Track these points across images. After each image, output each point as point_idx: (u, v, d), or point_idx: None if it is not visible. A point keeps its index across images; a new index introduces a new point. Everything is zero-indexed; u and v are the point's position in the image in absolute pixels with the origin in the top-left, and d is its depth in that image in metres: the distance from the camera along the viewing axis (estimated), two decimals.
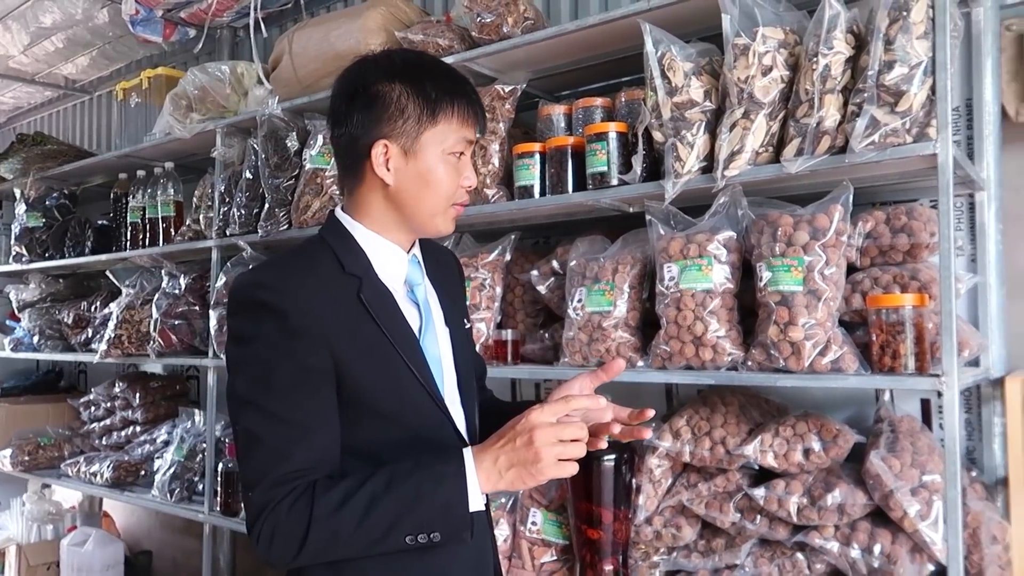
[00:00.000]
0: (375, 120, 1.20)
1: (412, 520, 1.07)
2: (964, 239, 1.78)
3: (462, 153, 1.24)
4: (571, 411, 1.09)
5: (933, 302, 1.52)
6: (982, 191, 1.73)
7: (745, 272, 1.72)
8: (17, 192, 3.66)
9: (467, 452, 1.10)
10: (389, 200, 1.24)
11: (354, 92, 1.22)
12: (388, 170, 1.21)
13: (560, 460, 1.05)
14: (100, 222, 3.47)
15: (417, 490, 1.08)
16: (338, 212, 1.29)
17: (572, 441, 1.06)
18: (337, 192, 2.31)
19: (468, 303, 2.09)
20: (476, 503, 1.08)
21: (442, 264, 1.41)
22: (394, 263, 1.26)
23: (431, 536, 1.08)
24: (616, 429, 1.21)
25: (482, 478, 1.08)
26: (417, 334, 1.24)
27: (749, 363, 1.64)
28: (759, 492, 1.66)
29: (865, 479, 1.58)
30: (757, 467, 1.74)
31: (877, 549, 1.54)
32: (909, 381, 1.46)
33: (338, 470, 1.16)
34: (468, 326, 1.41)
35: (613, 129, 1.82)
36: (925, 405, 1.83)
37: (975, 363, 1.70)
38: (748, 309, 1.72)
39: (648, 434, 1.24)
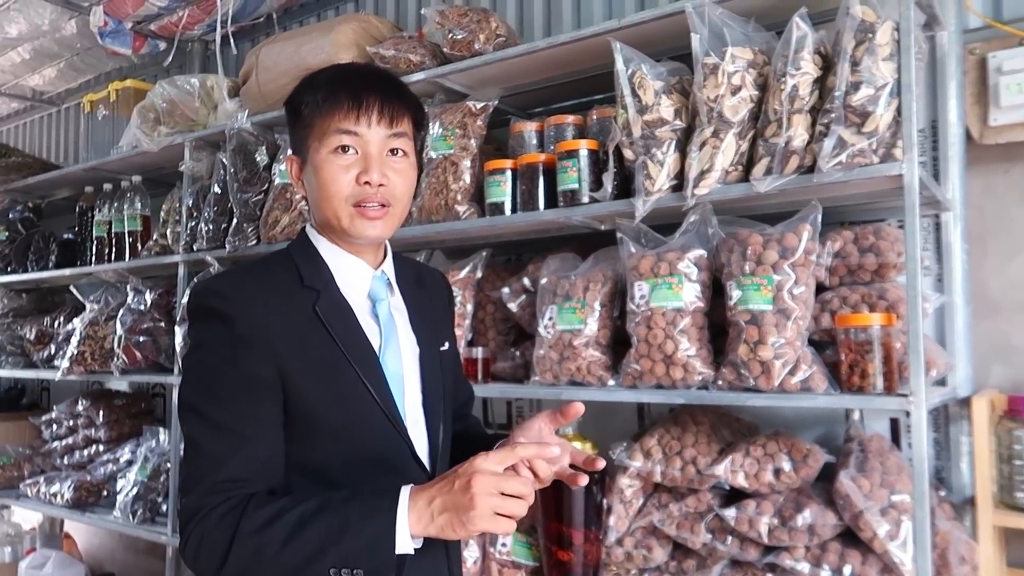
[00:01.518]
0: (291, 136, 1.25)
1: (337, 551, 1.03)
2: (931, 259, 1.79)
3: (346, 148, 1.18)
4: (520, 459, 1.04)
5: (901, 321, 1.53)
6: (948, 211, 1.75)
7: (715, 290, 1.71)
8: None
9: (404, 490, 1.05)
10: (312, 208, 1.25)
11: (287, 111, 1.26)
12: (301, 183, 1.24)
13: (496, 513, 0.99)
14: (66, 236, 3.40)
15: (346, 521, 1.03)
16: (307, 227, 1.28)
17: (514, 497, 1.00)
18: (306, 208, 2.28)
19: None
20: (404, 544, 1.02)
21: (427, 285, 1.39)
22: (357, 278, 1.24)
23: (354, 572, 1.03)
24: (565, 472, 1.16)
25: (413, 518, 1.02)
26: (377, 350, 1.21)
27: (719, 382, 1.63)
28: (730, 513, 1.65)
29: (835, 499, 1.58)
30: (728, 487, 1.72)
31: (847, 570, 1.53)
32: (877, 401, 1.46)
33: (281, 485, 1.14)
34: (446, 348, 1.37)
35: (584, 146, 1.82)
36: (894, 424, 1.83)
37: (942, 382, 1.71)
38: (719, 328, 1.72)
39: (601, 464, 1.18)
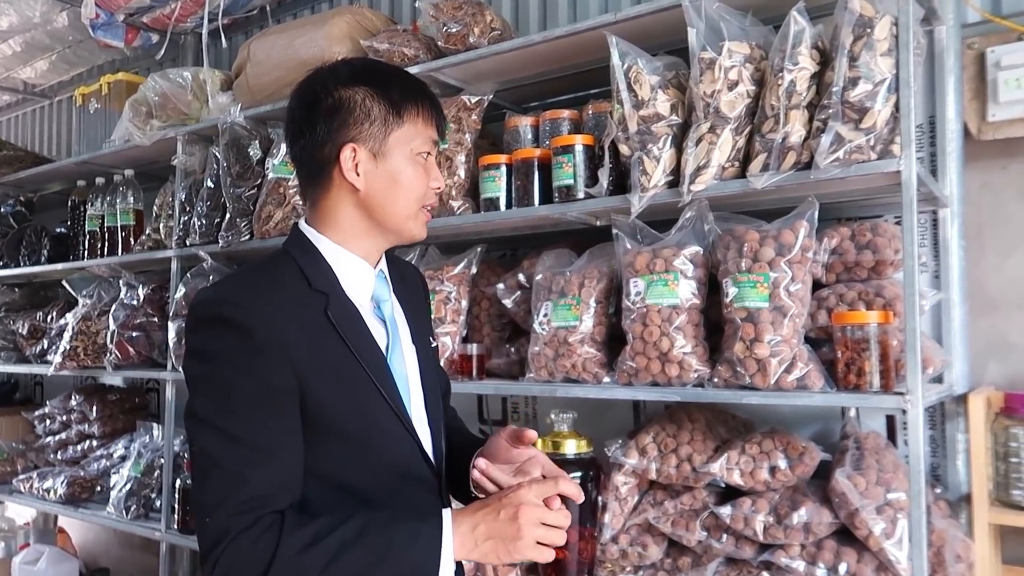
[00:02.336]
0: (340, 125, 1.18)
1: (379, 575, 1.03)
2: (928, 256, 1.78)
3: (429, 153, 1.23)
4: (559, 492, 1.10)
5: (898, 319, 1.52)
6: (945, 208, 1.74)
7: (712, 287, 1.70)
8: None
9: (446, 513, 1.08)
10: (359, 206, 1.21)
11: (314, 100, 1.20)
12: (358, 174, 1.18)
13: (539, 543, 1.05)
14: (58, 230, 3.38)
15: (390, 544, 1.04)
16: (302, 225, 1.25)
17: (555, 527, 1.06)
18: (300, 203, 2.26)
19: (433, 317, 2.06)
20: (447, 568, 1.04)
21: (407, 280, 1.38)
22: (361, 278, 1.23)
23: None
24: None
25: (457, 543, 1.06)
26: (384, 352, 1.20)
27: (715, 380, 1.62)
28: (725, 510, 1.64)
29: (831, 497, 1.57)
30: (724, 485, 1.72)
31: (843, 568, 1.52)
32: (874, 399, 1.45)
33: (299, 495, 1.11)
34: (434, 344, 1.37)
35: (580, 142, 1.80)
36: (890, 421, 1.82)
37: (939, 380, 1.70)
38: (715, 325, 1.71)
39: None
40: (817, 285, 1.66)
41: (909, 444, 1.39)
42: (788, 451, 1.63)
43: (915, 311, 1.39)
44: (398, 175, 1.20)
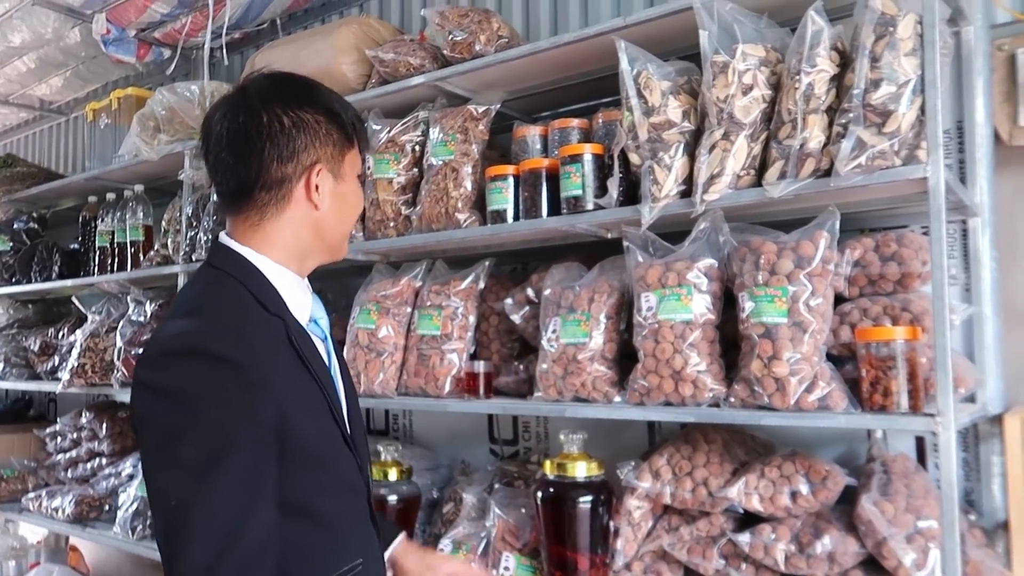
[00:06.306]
0: (305, 146, 1.18)
1: None
2: (957, 267, 1.69)
3: (361, 177, 1.33)
4: None
5: (926, 335, 1.43)
6: (976, 217, 1.65)
7: (727, 302, 1.62)
8: None
9: None
10: (312, 225, 1.22)
11: (263, 122, 1.17)
12: (319, 194, 1.20)
13: None
14: (71, 246, 3.37)
15: None
16: (232, 243, 1.21)
17: None
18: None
19: (439, 333, 2.00)
20: None
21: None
22: (301, 298, 1.23)
23: None
24: None
25: None
26: (329, 372, 1.23)
27: (731, 399, 1.54)
28: (744, 538, 1.55)
29: (857, 524, 1.48)
30: (742, 510, 1.63)
31: None
32: (902, 421, 1.36)
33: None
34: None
35: (588, 151, 1.74)
36: (920, 443, 1.72)
37: (971, 399, 1.60)
38: (731, 341, 1.62)
39: None
40: (840, 299, 1.58)
41: (941, 470, 1.30)
42: (810, 475, 1.54)
43: (944, 326, 1.30)
44: (351, 195, 1.26)
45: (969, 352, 1.66)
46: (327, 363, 1.22)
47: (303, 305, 1.22)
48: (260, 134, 1.16)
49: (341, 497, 1.20)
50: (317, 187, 1.19)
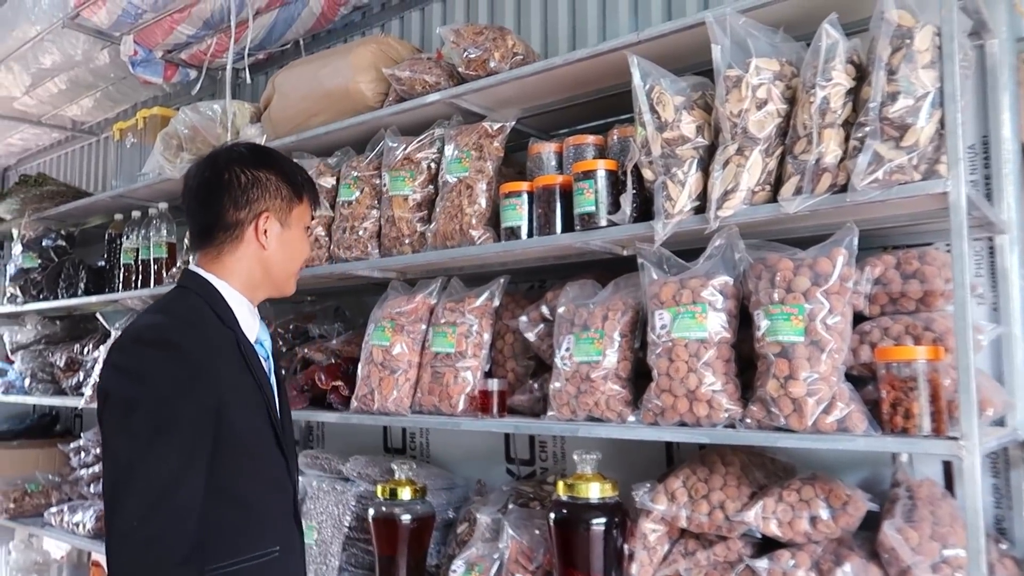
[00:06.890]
0: (259, 197, 1.49)
1: None
2: (985, 286, 1.63)
3: (308, 228, 1.64)
4: None
5: (950, 355, 1.38)
6: (1003, 234, 1.59)
7: (743, 320, 1.58)
8: (14, 232, 3.64)
9: None
10: (261, 262, 1.51)
11: (225, 178, 1.48)
12: (266, 237, 1.50)
13: None
14: (99, 263, 3.42)
15: None
16: (199, 270, 1.49)
17: None
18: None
19: (454, 351, 1.98)
20: None
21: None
22: (250, 320, 1.51)
23: None
24: None
25: None
26: (272, 385, 1.49)
27: (747, 420, 1.49)
28: (762, 564, 1.50)
29: (879, 552, 1.43)
30: (760, 535, 1.58)
31: None
32: (924, 444, 1.31)
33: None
34: (283, 374, 1.76)
35: (601, 167, 1.72)
36: (948, 467, 1.67)
37: (1001, 423, 1.54)
38: (747, 360, 1.58)
39: None
40: (860, 318, 1.53)
41: (966, 495, 1.24)
42: (830, 499, 1.49)
43: (968, 346, 1.25)
44: (296, 242, 1.56)
45: (998, 374, 1.61)
46: (268, 376, 1.47)
47: (251, 327, 1.49)
48: (220, 187, 1.47)
49: (265, 489, 1.40)
50: (266, 231, 1.48)
